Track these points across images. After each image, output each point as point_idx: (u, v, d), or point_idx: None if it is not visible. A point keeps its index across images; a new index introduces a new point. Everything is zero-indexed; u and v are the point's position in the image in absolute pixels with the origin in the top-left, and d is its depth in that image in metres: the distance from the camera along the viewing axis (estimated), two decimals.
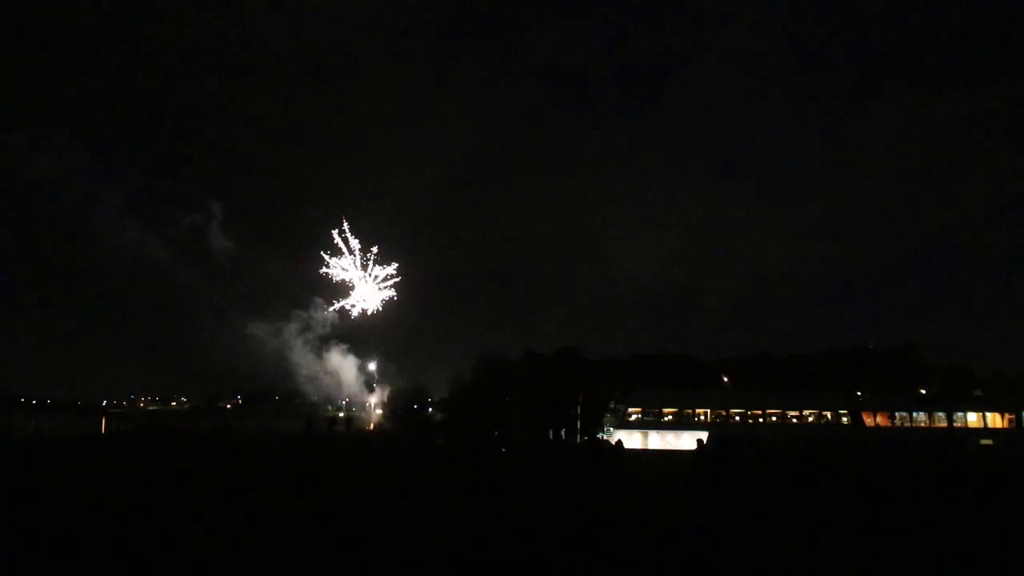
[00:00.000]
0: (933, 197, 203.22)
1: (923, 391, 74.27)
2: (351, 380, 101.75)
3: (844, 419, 70.20)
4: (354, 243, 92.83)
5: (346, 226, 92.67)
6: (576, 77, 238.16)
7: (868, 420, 70.14)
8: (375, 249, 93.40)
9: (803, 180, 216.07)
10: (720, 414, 69.97)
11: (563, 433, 69.32)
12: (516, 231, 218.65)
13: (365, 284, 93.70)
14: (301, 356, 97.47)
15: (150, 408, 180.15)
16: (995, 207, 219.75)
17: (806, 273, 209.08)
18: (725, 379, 79.91)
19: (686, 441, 27.59)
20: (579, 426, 69.05)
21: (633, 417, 69.50)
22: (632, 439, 65.48)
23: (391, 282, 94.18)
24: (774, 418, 70.36)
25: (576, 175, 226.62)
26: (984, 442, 65.08)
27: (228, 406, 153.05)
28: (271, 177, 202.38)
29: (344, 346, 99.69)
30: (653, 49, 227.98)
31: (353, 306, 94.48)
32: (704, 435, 30.79)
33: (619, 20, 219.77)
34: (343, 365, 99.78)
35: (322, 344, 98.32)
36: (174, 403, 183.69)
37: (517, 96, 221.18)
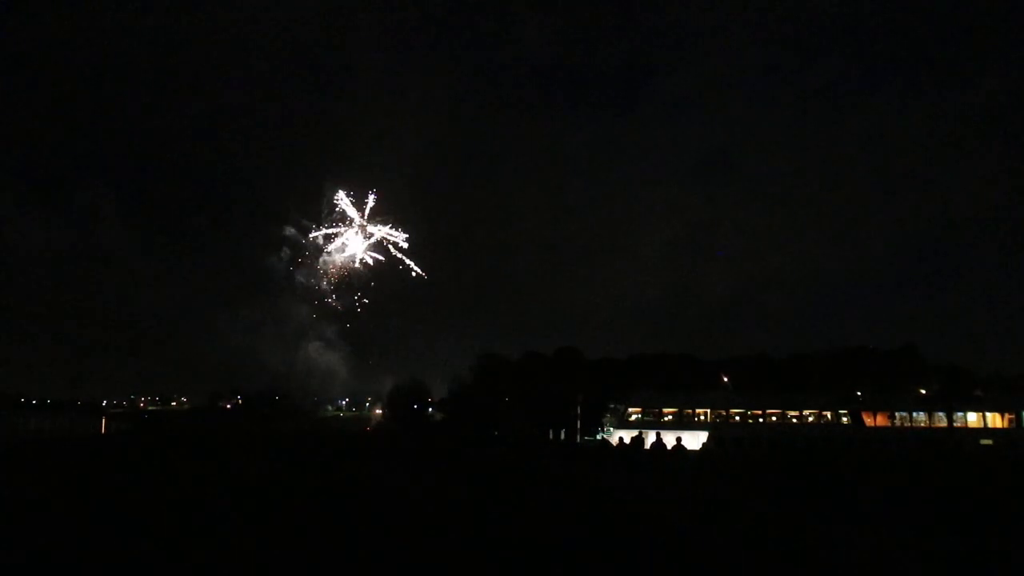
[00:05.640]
0: (932, 196, 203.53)
1: (923, 391, 74.32)
2: (346, 378, 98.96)
3: (844, 419, 70.31)
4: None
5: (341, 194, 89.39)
6: (569, 74, 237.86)
7: (868, 420, 70.24)
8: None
9: (802, 179, 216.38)
10: (720, 414, 70.06)
11: (563, 433, 69.43)
12: (515, 231, 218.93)
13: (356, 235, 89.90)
14: (284, 353, 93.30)
15: (150, 408, 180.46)
16: (995, 206, 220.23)
17: (806, 273, 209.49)
18: (725, 379, 79.90)
19: (687, 441, 27.30)
20: (579, 426, 69.18)
21: (633, 417, 69.50)
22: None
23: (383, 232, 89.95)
24: (774, 418, 70.49)
25: (574, 174, 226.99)
26: (984, 442, 65.22)
27: (228, 406, 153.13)
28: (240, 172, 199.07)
29: (332, 330, 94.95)
30: (650, 46, 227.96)
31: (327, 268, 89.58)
32: (662, 433, 29.19)
33: (611, 15, 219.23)
34: (333, 362, 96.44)
35: (302, 340, 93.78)
36: (174, 403, 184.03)
37: (511, 95, 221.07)
